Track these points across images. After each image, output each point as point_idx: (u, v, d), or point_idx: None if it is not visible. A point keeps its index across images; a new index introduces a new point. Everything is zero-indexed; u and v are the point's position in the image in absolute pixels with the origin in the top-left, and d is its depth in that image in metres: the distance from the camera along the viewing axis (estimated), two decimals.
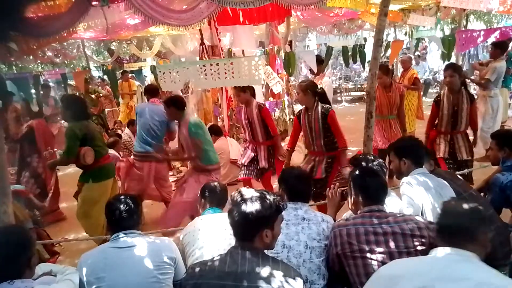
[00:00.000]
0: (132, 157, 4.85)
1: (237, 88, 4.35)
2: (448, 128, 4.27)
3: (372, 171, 2.25)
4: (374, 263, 1.88)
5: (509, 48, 7.11)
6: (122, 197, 2.19)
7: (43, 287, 1.81)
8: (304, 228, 2.13)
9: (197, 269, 1.70)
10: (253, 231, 1.69)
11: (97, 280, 1.96)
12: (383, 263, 1.86)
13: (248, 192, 1.73)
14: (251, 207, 1.66)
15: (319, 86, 4.00)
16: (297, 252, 2.08)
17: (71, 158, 3.82)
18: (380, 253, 1.89)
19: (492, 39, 6.05)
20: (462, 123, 4.21)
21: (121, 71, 10.46)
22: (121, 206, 2.11)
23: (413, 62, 9.07)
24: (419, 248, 1.89)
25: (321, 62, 5.78)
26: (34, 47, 5.53)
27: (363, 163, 2.55)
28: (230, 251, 1.70)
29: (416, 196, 2.39)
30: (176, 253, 2.13)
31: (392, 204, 2.37)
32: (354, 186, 2.15)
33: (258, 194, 1.72)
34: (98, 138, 3.95)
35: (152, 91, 4.87)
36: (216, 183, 2.74)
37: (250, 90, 4.36)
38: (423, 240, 1.90)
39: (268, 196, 1.72)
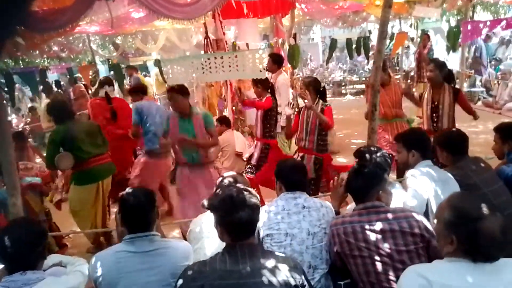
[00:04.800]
0: (145, 156, 4.62)
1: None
2: (430, 127, 4.09)
3: (359, 170, 2.08)
4: (373, 261, 1.87)
5: (428, 45, 7.03)
6: (136, 193, 2.01)
7: (54, 278, 1.82)
8: (305, 216, 2.16)
9: (196, 271, 1.64)
10: (255, 226, 1.71)
11: (109, 285, 1.90)
12: (382, 262, 1.85)
13: (237, 188, 1.75)
14: (253, 200, 1.68)
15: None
16: (300, 239, 2.10)
17: (50, 164, 3.73)
18: (378, 251, 1.87)
19: (498, 29, 6.01)
20: (444, 121, 4.03)
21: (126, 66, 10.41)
22: (135, 204, 1.96)
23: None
24: (419, 245, 1.86)
25: (278, 61, 5.34)
26: (40, 42, 5.56)
27: (366, 155, 2.55)
28: (228, 250, 1.67)
29: (420, 187, 2.39)
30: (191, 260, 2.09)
31: (396, 196, 2.35)
32: (345, 187, 2.19)
33: (243, 189, 1.73)
34: (81, 140, 3.71)
35: (142, 90, 4.93)
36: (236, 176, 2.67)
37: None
38: (423, 238, 1.87)
39: (250, 190, 1.76)
